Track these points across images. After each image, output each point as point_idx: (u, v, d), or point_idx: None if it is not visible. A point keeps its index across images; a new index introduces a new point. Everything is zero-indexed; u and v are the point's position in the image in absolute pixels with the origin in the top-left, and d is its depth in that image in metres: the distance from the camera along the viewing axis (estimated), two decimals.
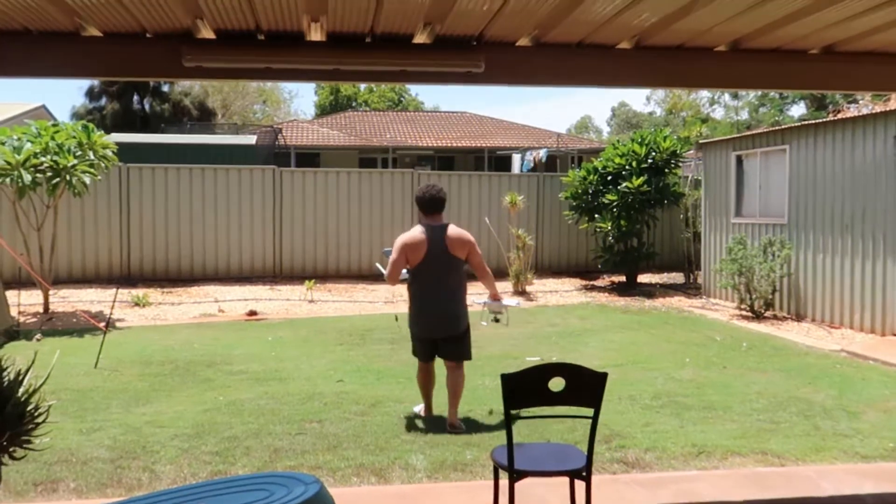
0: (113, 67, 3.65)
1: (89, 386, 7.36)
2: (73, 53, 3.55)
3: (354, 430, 5.94)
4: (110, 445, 5.57)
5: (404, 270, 6.13)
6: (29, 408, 4.21)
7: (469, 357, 6.26)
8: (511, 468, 3.50)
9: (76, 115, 32.46)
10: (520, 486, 3.56)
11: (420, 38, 3.79)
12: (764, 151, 12.69)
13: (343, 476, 5.03)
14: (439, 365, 6.31)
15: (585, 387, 3.48)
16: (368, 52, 3.73)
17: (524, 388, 3.48)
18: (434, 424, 6.13)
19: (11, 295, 10.59)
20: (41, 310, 11.52)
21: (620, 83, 4.22)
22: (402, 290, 8.57)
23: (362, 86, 54.65)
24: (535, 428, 5.79)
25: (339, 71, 3.77)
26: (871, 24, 3.79)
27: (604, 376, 3.47)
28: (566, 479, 3.70)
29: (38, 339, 9.59)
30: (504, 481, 3.61)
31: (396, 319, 7.25)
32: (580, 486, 3.64)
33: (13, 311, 10.44)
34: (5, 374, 4.15)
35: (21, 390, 4.19)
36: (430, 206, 6.06)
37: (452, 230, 6.04)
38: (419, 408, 6.49)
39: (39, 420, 4.24)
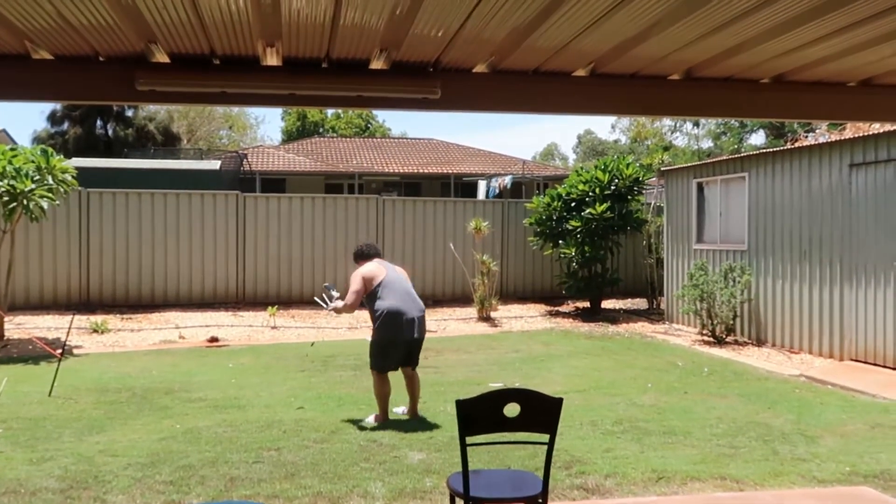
0: (64, 91, 3.60)
1: (42, 414, 7.20)
2: (22, 76, 3.49)
3: (313, 458, 5.87)
4: (61, 475, 5.43)
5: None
6: None
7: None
8: (466, 496, 3.46)
9: (37, 140, 32.04)
10: None
11: (376, 64, 3.79)
12: (724, 179, 12.88)
13: None
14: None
15: (541, 412, 3.47)
16: (324, 78, 3.72)
17: (479, 414, 3.46)
18: (392, 448, 6.07)
19: None
20: None
21: (577, 110, 4.25)
22: (364, 317, 8.57)
23: (329, 112, 54.69)
24: (496, 455, 5.76)
25: (295, 96, 3.75)
26: (820, 53, 3.87)
27: (559, 402, 3.46)
28: None
29: None
30: None
31: (312, 345, 7.81)
32: None
33: None
34: None
35: None
36: (374, 251, 7.36)
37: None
38: (372, 418, 6.98)
39: None
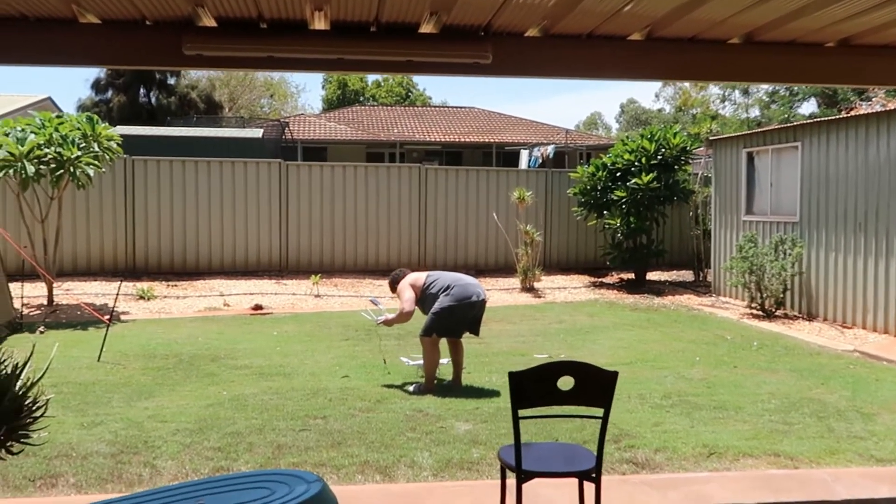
0: (111, 55, 3.56)
1: (91, 379, 7.30)
2: (70, 41, 3.46)
3: (359, 427, 5.86)
4: (111, 440, 5.49)
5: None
6: (26, 402, 4.13)
7: None
8: (519, 469, 3.40)
9: (82, 108, 32.40)
10: (526, 486, 3.46)
11: (426, 28, 3.69)
12: (776, 148, 12.54)
13: (347, 474, 4.95)
14: None
15: (595, 386, 3.38)
16: (373, 42, 3.64)
17: (532, 387, 3.38)
18: (438, 418, 6.04)
19: (15, 287, 10.54)
20: (45, 302, 11.47)
21: (632, 75, 4.11)
22: None
23: (370, 80, 54.57)
24: (543, 426, 5.69)
25: (343, 60, 3.67)
26: (886, 17, 3.69)
27: (614, 375, 3.37)
28: (574, 480, 3.61)
29: (40, 332, 9.54)
30: (511, 481, 3.52)
31: (385, 363, 7.99)
32: (589, 487, 3.55)
33: (17, 304, 10.38)
34: (2, 367, 4.07)
35: (18, 384, 4.12)
36: (406, 272, 7.52)
37: None
38: (418, 386, 7.05)
39: (37, 414, 4.17)
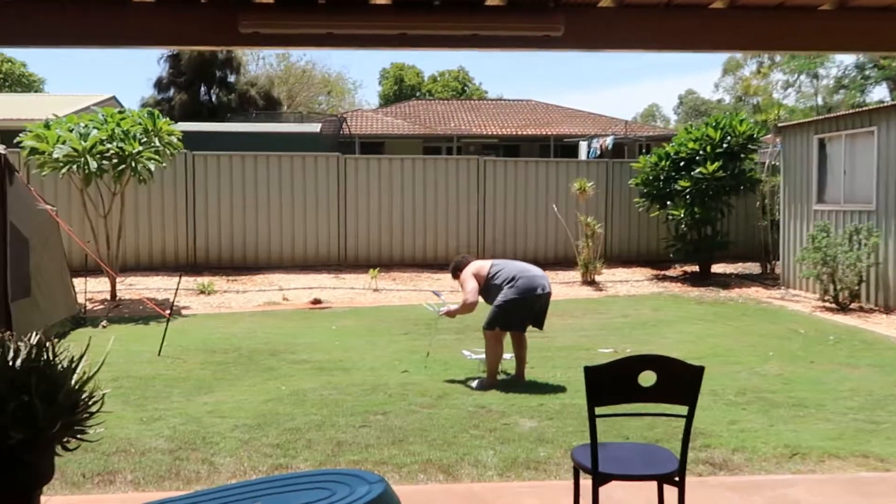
0: (165, 36, 3.41)
1: (152, 374, 7.26)
2: (123, 22, 3.32)
3: (421, 424, 5.67)
4: (170, 436, 5.41)
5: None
6: (82, 397, 4.04)
7: None
8: (595, 471, 3.16)
9: (145, 106, 32.79)
10: (601, 489, 3.23)
11: (492, 0, 3.47)
12: (849, 134, 11.99)
13: (409, 472, 4.77)
14: None
15: (679, 381, 3.12)
16: (437, 15, 3.42)
17: (610, 383, 3.14)
18: (502, 415, 5.82)
19: (79, 282, 10.63)
20: (109, 297, 11.57)
21: (713, 47, 3.82)
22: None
23: (426, 75, 54.51)
24: (612, 424, 5.41)
25: (406, 36, 3.47)
26: None
27: (700, 370, 3.10)
28: (651, 483, 3.36)
29: (103, 326, 9.59)
30: (585, 480, 3.29)
31: (427, 355, 7.81)
32: (669, 491, 3.30)
33: (80, 298, 10.47)
34: (58, 361, 3.98)
35: (74, 378, 4.03)
36: (469, 258, 7.26)
37: None
38: (481, 382, 6.76)
39: (93, 409, 4.07)
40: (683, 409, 3.16)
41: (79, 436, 4.05)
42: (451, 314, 7.12)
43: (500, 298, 6.71)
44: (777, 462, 4.94)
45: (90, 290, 11.77)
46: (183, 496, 3.47)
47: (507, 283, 6.72)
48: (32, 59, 78.00)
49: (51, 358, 3.99)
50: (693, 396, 3.10)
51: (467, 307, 6.89)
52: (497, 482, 4.62)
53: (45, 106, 12.19)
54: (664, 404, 3.21)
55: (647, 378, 3.11)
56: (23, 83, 42.10)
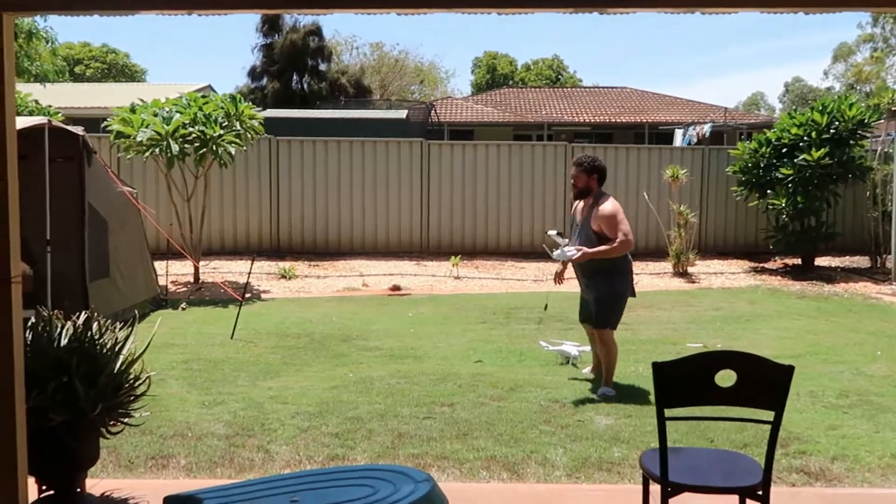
0: None
1: (222, 357, 7.17)
2: None
3: (488, 417, 5.35)
4: (229, 421, 5.25)
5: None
6: (128, 378, 3.89)
7: None
8: (665, 480, 2.78)
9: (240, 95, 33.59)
10: (674, 499, 2.84)
11: None
12: None
13: (471, 469, 4.46)
14: None
15: (764, 382, 2.71)
16: None
17: (683, 381, 2.75)
18: (576, 411, 5.44)
19: (161, 265, 10.72)
20: (192, 280, 11.66)
21: None
22: (552, 268, 7.91)
23: (519, 64, 53.86)
24: (695, 424, 4.97)
25: None
26: None
27: (789, 370, 2.68)
28: (732, 496, 2.95)
29: (182, 309, 9.62)
30: (656, 487, 2.91)
31: (546, 308, 7.37)
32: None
33: (163, 281, 10.56)
34: (103, 342, 3.84)
35: (119, 360, 3.88)
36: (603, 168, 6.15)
37: None
38: (606, 391, 5.93)
39: (139, 392, 3.92)
40: (769, 415, 2.74)
41: (122, 419, 3.91)
42: (585, 257, 5.81)
43: (619, 285, 5.93)
44: (882, 474, 4.41)
45: (175, 272, 11.91)
46: (217, 487, 3.26)
47: (629, 266, 6.03)
48: (135, 49, 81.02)
49: (94, 338, 3.86)
50: (780, 400, 2.68)
51: (623, 246, 5.75)
52: (564, 483, 4.27)
53: (143, 94, 12.36)
54: (747, 408, 2.80)
55: (727, 377, 2.70)
56: (126, 73, 43.68)
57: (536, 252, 13.49)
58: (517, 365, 6.96)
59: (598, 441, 4.88)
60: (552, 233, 6.33)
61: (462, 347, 7.70)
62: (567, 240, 6.13)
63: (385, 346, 7.69)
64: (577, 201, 6.22)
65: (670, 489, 2.79)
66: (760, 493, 2.79)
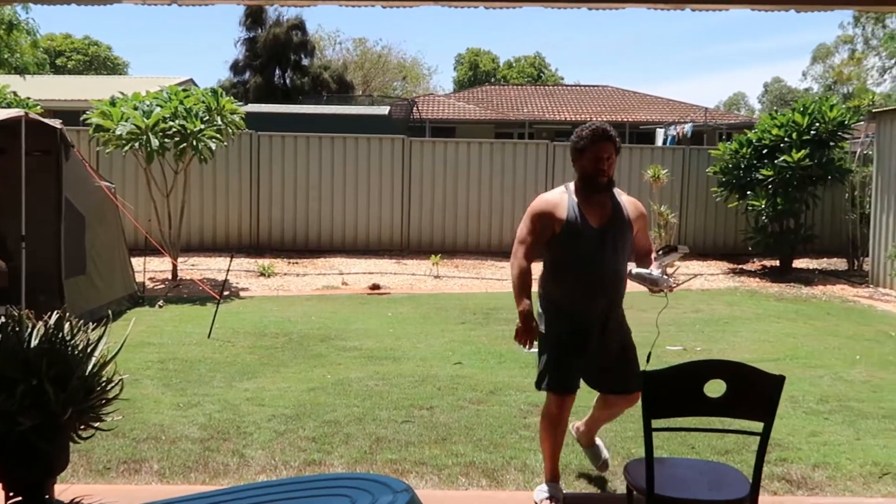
0: None
1: (198, 356, 7.05)
2: None
3: (467, 421, 5.28)
4: (204, 423, 5.15)
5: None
6: (100, 381, 3.78)
7: None
8: (650, 493, 2.72)
9: (221, 89, 33.27)
10: None
11: None
12: None
13: (449, 475, 4.39)
14: None
15: (754, 393, 2.65)
16: None
17: (672, 392, 2.69)
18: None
19: (140, 262, 10.55)
20: (170, 276, 11.50)
21: None
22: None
23: (501, 61, 53.81)
24: (672, 435, 4.92)
25: None
26: None
27: (779, 381, 2.62)
28: None
29: (160, 306, 9.48)
30: (641, 497, 2.85)
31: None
32: None
33: (141, 277, 10.39)
34: (74, 342, 3.73)
35: (91, 362, 3.77)
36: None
37: None
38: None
39: (111, 395, 3.81)
40: (754, 425, 2.68)
41: (94, 424, 3.79)
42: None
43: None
44: (864, 482, 4.38)
45: (153, 269, 11.74)
46: (186, 497, 3.16)
47: None
48: (117, 42, 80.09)
49: (66, 339, 3.74)
50: (770, 412, 2.63)
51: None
52: None
53: (124, 87, 12.17)
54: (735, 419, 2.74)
55: (716, 388, 2.65)
56: (108, 66, 43.18)
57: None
58: (497, 367, 6.89)
59: (579, 447, 4.80)
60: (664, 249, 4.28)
61: (441, 348, 7.63)
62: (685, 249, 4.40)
63: (364, 347, 7.60)
64: (573, 198, 4.01)
65: (656, 502, 2.73)
66: None
